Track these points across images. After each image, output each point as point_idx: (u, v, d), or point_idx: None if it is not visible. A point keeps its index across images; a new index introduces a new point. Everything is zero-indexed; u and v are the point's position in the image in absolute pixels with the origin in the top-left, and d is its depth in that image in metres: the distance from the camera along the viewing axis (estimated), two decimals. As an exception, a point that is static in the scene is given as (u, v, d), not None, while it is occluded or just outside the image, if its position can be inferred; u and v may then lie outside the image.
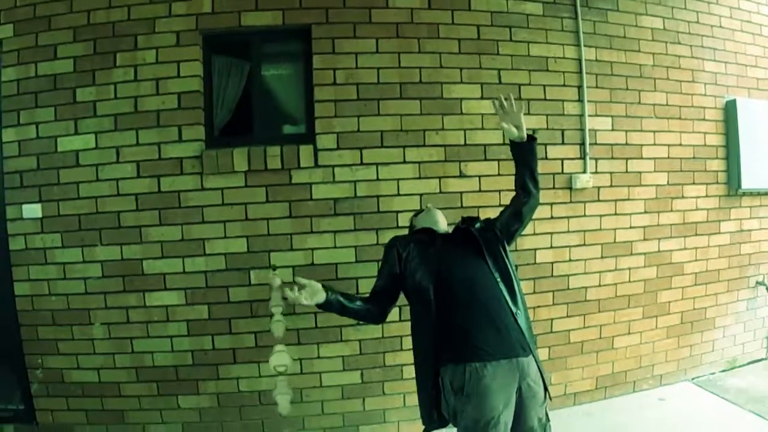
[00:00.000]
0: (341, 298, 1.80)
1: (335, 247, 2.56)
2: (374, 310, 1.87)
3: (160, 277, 2.53)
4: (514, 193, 1.93)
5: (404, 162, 2.57)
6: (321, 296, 1.75)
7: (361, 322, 2.35)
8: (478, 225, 1.90)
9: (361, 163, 2.55)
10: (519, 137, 1.82)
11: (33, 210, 2.50)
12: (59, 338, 2.55)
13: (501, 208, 2.57)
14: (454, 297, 1.68)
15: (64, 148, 2.50)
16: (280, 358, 2.18)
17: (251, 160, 2.49)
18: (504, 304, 1.68)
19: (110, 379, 2.56)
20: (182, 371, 2.57)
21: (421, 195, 2.58)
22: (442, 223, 2.05)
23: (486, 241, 1.80)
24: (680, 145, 2.91)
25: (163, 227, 2.52)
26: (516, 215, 1.89)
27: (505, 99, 1.81)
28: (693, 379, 3.04)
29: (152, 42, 2.48)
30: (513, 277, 1.76)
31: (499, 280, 1.72)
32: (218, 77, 2.63)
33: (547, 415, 1.68)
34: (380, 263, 1.97)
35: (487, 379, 1.56)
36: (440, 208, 2.50)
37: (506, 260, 1.79)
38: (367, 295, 1.93)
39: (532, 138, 1.84)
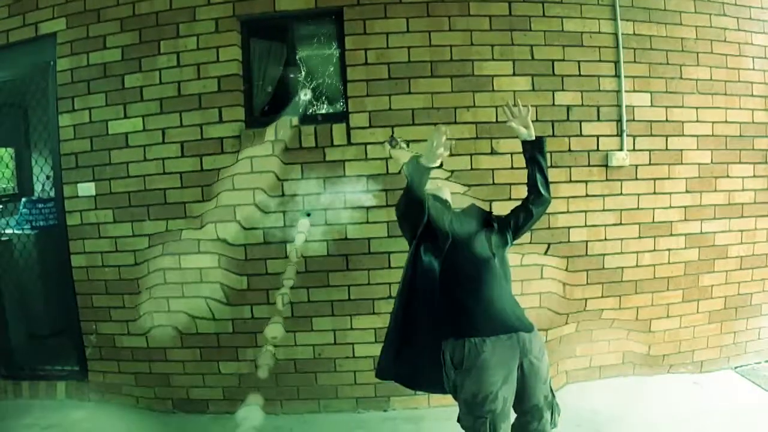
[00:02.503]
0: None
1: (368, 222, 2.62)
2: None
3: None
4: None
5: (435, 140, 2.60)
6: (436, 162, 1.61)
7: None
8: (494, 222, 1.93)
9: (393, 141, 2.59)
10: (528, 136, 1.92)
11: (87, 188, 2.71)
12: (112, 306, 2.75)
13: None
14: (460, 267, 1.71)
15: (115, 131, 2.69)
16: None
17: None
18: (504, 284, 1.75)
19: (157, 344, 2.74)
20: (223, 339, 2.71)
21: (452, 171, 2.60)
22: (451, 201, 2.08)
23: (497, 232, 1.86)
24: (725, 122, 2.77)
25: (205, 203, 2.66)
26: (527, 218, 1.94)
27: (513, 105, 1.93)
28: (736, 368, 2.92)
29: (193, 29, 2.61)
30: (508, 270, 1.84)
31: (499, 266, 1.77)
32: (257, 60, 2.73)
33: (552, 392, 1.70)
34: None
35: (487, 354, 1.59)
36: (472, 185, 2.60)
37: (505, 256, 1.87)
38: None
39: (540, 137, 1.94)
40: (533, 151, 1.92)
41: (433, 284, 1.70)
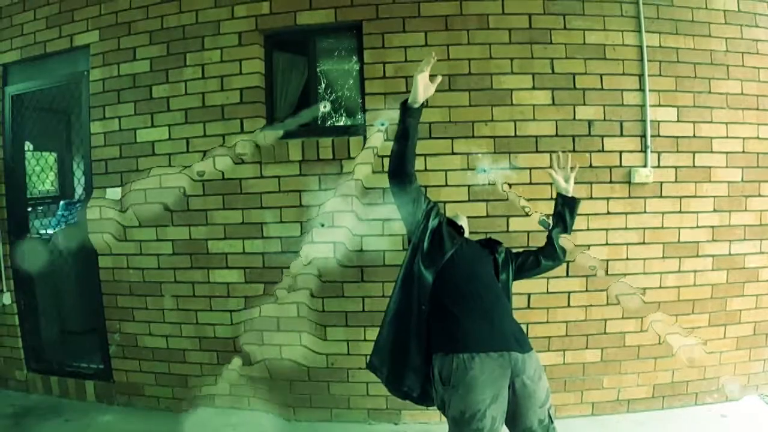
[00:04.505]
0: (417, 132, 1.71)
1: (383, 234, 2.63)
2: (413, 172, 1.74)
3: (223, 256, 2.76)
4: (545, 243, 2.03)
5: (452, 153, 2.58)
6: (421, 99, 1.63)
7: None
8: (501, 250, 1.97)
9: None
10: (565, 190, 1.98)
11: (115, 193, 2.82)
12: (135, 307, 2.86)
13: (551, 202, 2.56)
14: (456, 283, 1.71)
15: (142, 139, 2.80)
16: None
17: (305, 151, 2.63)
18: (502, 302, 1.76)
19: (176, 346, 2.83)
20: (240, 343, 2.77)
21: (468, 186, 2.59)
22: (467, 229, 2.12)
23: (501, 264, 1.91)
24: (757, 138, 2.64)
25: (226, 211, 2.73)
26: (533, 266, 1.99)
27: (563, 152, 2.02)
28: (764, 396, 2.77)
29: (217, 42, 2.69)
30: (510, 292, 1.91)
31: (501, 288, 1.83)
32: (279, 73, 2.80)
33: (550, 417, 1.64)
34: None
35: (475, 371, 1.56)
36: (490, 200, 2.58)
37: (508, 281, 1.91)
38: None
39: (575, 198, 2.01)
40: (563, 207, 1.98)
41: (420, 291, 1.71)
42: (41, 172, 3.66)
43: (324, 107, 2.75)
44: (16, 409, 2.90)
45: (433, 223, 1.80)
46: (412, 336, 1.72)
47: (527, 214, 2.57)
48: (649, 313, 2.65)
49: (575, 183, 2.52)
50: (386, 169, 2.51)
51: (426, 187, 2.59)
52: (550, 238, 2.00)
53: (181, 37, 2.72)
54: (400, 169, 1.73)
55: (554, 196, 2.58)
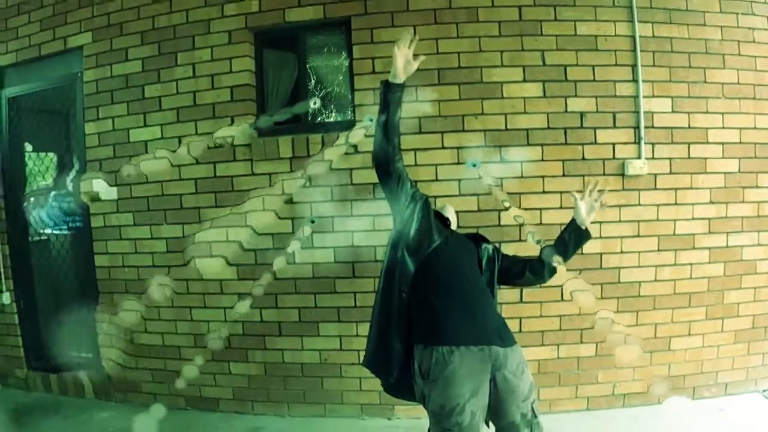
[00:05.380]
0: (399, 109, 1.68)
1: (374, 230, 2.62)
2: (394, 153, 1.70)
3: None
4: (533, 257, 1.95)
5: (442, 147, 2.57)
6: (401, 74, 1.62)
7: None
8: (489, 247, 1.92)
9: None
10: (580, 221, 1.89)
11: (110, 192, 2.85)
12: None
13: (542, 196, 2.52)
14: (439, 275, 1.68)
15: (135, 139, 2.82)
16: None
17: (295, 148, 2.63)
18: (486, 296, 1.73)
19: (172, 343, 2.85)
20: (234, 340, 2.79)
21: (459, 180, 2.57)
22: (453, 219, 2.06)
23: (485, 261, 1.87)
24: (754, 128, 2.59)
25: (218, 208, 2.74)
26: (517, 276, 1.93)
27: (596, 187, 1.90)
28: (764, 390, 2.72)
29: (208, 41, 2.70)
30: (495, 287, 1.86)
31: (485, 283, 1.78)
32: (270, 71, 2.80)
33: (534, 411, 1.61)
34: None
35: (454, 365, 1.54)
36: (481, 194, 2.56)
37: (494, 284, 1.86)
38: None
39: (587, 231, 1.91)
40: (572, 235, 1.89)
41: (402, 279, 1.68)
42: (39, 173, 3.71)
43: (314, 104, 2.75)
44: (16, 405, 2.95)
45: (418, 209, 1.75)
46: (393, 326, 1.70)
47: (506, 209, 2.55)
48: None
49: (569, 176, 2.54)
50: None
51: (416, 182, 2.57)
52: (542, 255, 1.91)
53: (172, 37, 2.74)
54: (381, 148, 1.68)
55: (546, 190, 2.61)
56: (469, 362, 1.55)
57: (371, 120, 2.54)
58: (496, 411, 1.60)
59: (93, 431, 2.69)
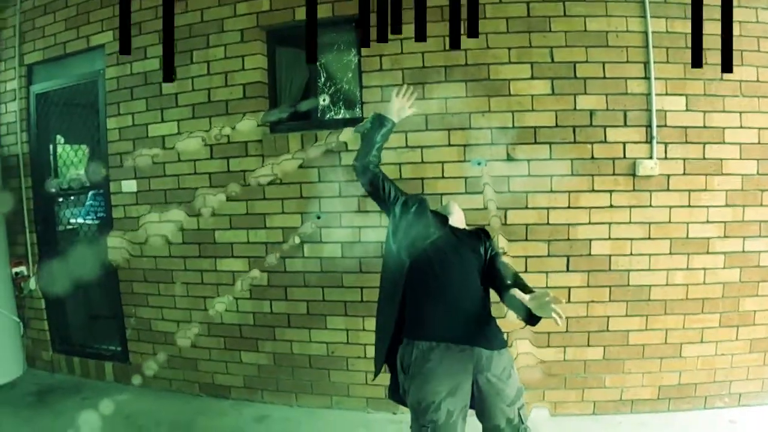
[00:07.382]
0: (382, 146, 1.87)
1: (381, 225, 2.63)
2: (378, 172, 1.84)
3: (228, 246, 2.86)
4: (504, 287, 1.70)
5: (449, 145, 2.57)
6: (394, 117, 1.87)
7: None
8: (489, 245, 1.84)
9: (406, 146, 2.60)
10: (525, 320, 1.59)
11: (130, 185, 2.98)
12: (149, 293, 3.02)
13: (550, 195, 2.56)
14: (428, 271, 1.68)
15: (154, 134, 2.94)
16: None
17: (304, 143, 2.69)
18: (478, 295, 1.69)
19: (186, 331, 2.96)
20: (245, 330, 2.89)
21: (465, 178, 2.57)
22: (457, 215, 1.99)
23: (483, 257, 1.80)
24: (775, 128, 2.49)
25: (231, 202, 2.83)
26: (494, 282, 1.73)
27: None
28: (780, 402, 2.63)
29: (221, 40, 2.78)
30: (488, 294, 1.77)
31: (480, 283, 1.71)
32: (282, 68, 2.86)
33: (521, 417, 1.60)
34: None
35: (433, 362, 1.56)
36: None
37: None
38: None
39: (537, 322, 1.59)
40: (520, 308, 1.55)
41: (396, 270, 1.72)
42: (71, 164, 3.89)
43: (323, 100, 2.79)
44: (41, 387, 3.13)
45: (407, 210, 1.78)
46: (388, 318, 1.73)
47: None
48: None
49: (576, 176, 2.49)
50: (382, 161, 2.60)
51: (422, 179, 2.62)
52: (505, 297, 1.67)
53: (188, 36, 2.82)
54: (360, 163, 1.85)
55: (553, 189, 2.57)
56: (449, 361, 1.57)
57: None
58: (481, 412, 1.62)
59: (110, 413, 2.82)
